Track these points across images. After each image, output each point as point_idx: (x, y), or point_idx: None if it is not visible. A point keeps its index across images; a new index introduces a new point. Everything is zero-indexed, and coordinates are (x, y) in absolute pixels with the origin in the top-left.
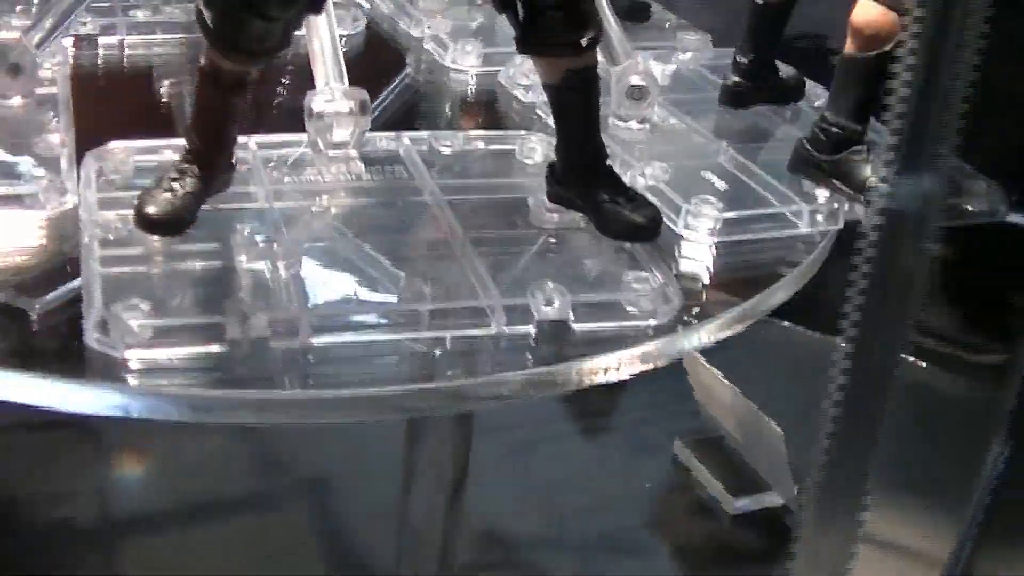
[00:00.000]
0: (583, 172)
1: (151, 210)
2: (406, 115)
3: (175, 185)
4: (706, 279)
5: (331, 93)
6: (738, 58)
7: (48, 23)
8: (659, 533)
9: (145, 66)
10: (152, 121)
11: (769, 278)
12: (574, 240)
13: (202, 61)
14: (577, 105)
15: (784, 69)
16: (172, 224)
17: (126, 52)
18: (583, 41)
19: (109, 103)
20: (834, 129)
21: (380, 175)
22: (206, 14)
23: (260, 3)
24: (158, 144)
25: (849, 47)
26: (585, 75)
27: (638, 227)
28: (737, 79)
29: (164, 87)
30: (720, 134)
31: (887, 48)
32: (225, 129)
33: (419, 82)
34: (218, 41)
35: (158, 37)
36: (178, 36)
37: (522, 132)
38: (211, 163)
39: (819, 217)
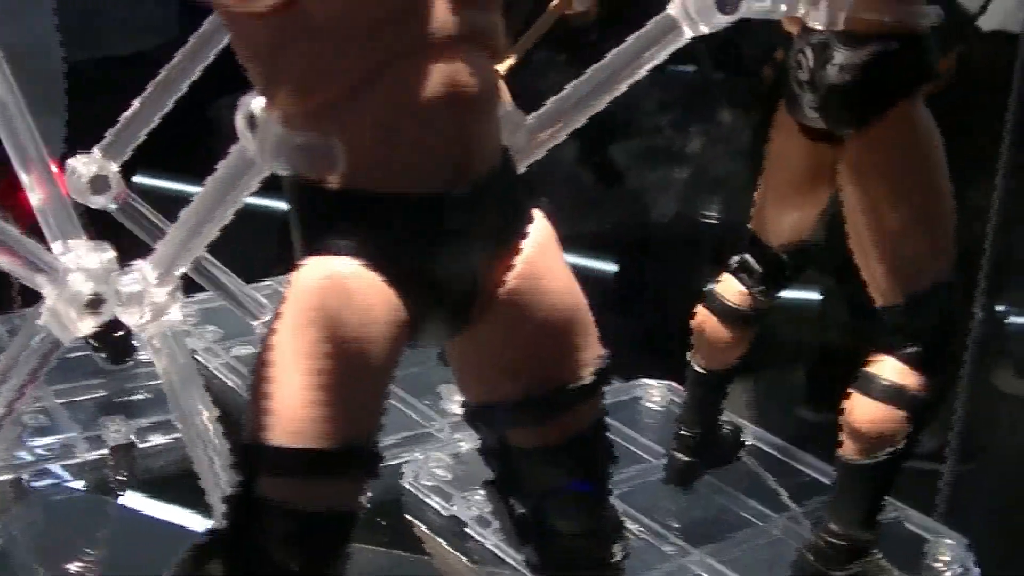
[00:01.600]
0: None
1: None
2: None
3: None
4: None
5: None
6: (681, 432)
7: None
8: None
9: None
10: None
11: None
12: None
13: None
14: None
15: (721, 423)
16: None
17: None
18: (614, 559)
19: None
20: (843, 542)
21: None
22: None
23: None
24: None
25: (849, 450)
26: None
27: None
28: (682, 456)
29: None
30: (682, 531)
31: (893, 449)
32: None
33: None
34: None
35: None
36: None
37: None
38: None
39: None
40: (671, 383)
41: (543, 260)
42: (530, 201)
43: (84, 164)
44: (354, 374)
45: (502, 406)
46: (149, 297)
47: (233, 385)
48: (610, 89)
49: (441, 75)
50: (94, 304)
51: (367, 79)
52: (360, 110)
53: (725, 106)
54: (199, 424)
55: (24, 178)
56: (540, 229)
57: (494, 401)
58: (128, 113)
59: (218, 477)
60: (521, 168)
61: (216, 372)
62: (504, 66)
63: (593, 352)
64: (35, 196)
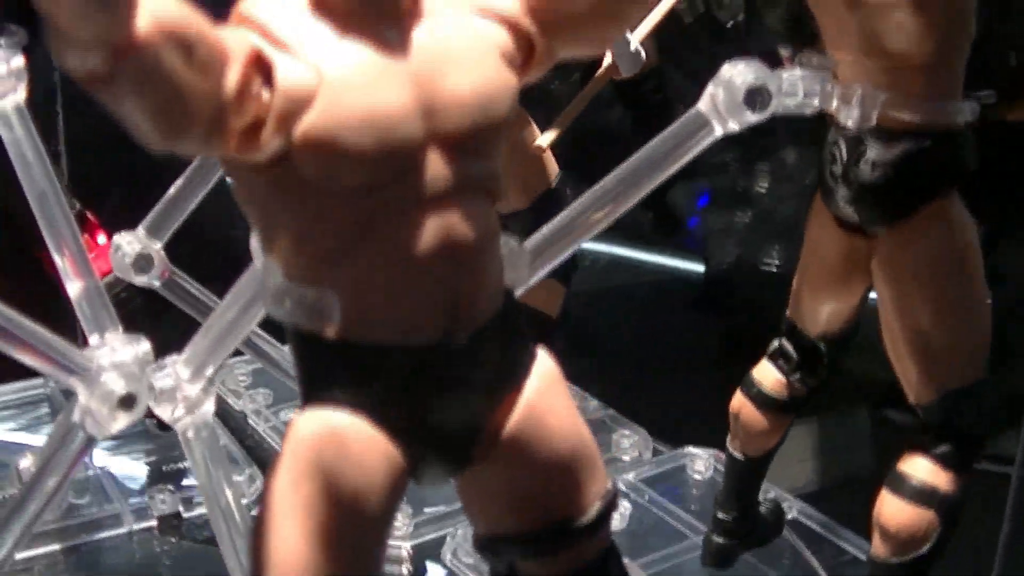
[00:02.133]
0: None
1: None
2: None
3: None
4: None
5: None
6: (719, 515)
7: None
8: None
9: None
10: None
11: None
12: None
13: None
14: None
15: (763, 501)
16: None
17: None
18: None
19: None
20: None
21: None
22: None
23: None
24: None
25: (879, 549)
26: None
27: None
28: (721, 539)
29: None
30: None
31: (923, 550)
32: None
33: None
34: None
35: None
36: None
37: None
38: None
39: None
40: (717, 451)
41: (545, 400)
42: (532, 340)
43: (128, 243)
44: (351, 523)
45: (507, 539)
46: (182, 392)
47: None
48: (641, 187)
49: (436, 228)
50: (127, 402)
51: (361, 234)
52: (355, 264)
53: (789, 145)
54: (223, 504)
55: (59, 264)
56: (543, 368)
57: (499, 534)
58: (171, 191)
59: (240, 557)
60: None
61: (266, 436)
62: (547, 139)
63: (598, 487)
64: (72, 285)
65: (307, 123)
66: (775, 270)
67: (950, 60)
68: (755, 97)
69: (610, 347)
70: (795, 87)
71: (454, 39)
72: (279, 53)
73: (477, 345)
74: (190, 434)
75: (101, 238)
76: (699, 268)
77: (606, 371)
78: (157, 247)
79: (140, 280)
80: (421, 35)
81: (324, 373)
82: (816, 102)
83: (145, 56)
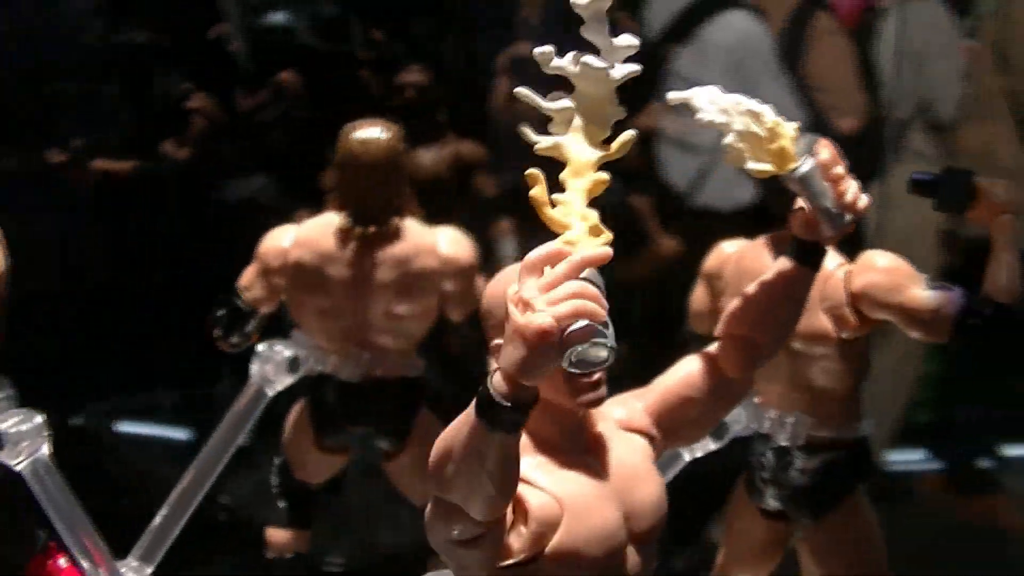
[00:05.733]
0: None
1: None
2: None
3: None
4: None
5: None
6: None
7: None
8: None
9: None
10: None
11: None
12: None
13: None
14: None
15: None
16: None
17: None
18: None
19: None
20: None
21: None
22: None
23: None
24: None
25: None
26: None
27: None
28: None
29: None
30: None
31: None
32: None
33: None
34: None
35: None
36: None
37: None
38: None
39: None
40: None
41: None
42: None
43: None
44: None
45: None
46: None
47: None
48: None
49: None
50: None
51: None
52: None
53: None
54: None
55: None
56: None
57: None
58: (157, 520)
59: None
60: None
61: None
62: None
63: None
64: None
65: (556, 542)
66: None
67: (857, 389)
68: (720, 431)
69: None
70: (739, 416)
71: (630, 458)
72: (524, 487)
73: None
74: None
75: (62, 561)
76: None
77: None
78: (148, 572)
79: None
80: (611, 460)
81: None
82: (754, 427)
83: (502, 527)
